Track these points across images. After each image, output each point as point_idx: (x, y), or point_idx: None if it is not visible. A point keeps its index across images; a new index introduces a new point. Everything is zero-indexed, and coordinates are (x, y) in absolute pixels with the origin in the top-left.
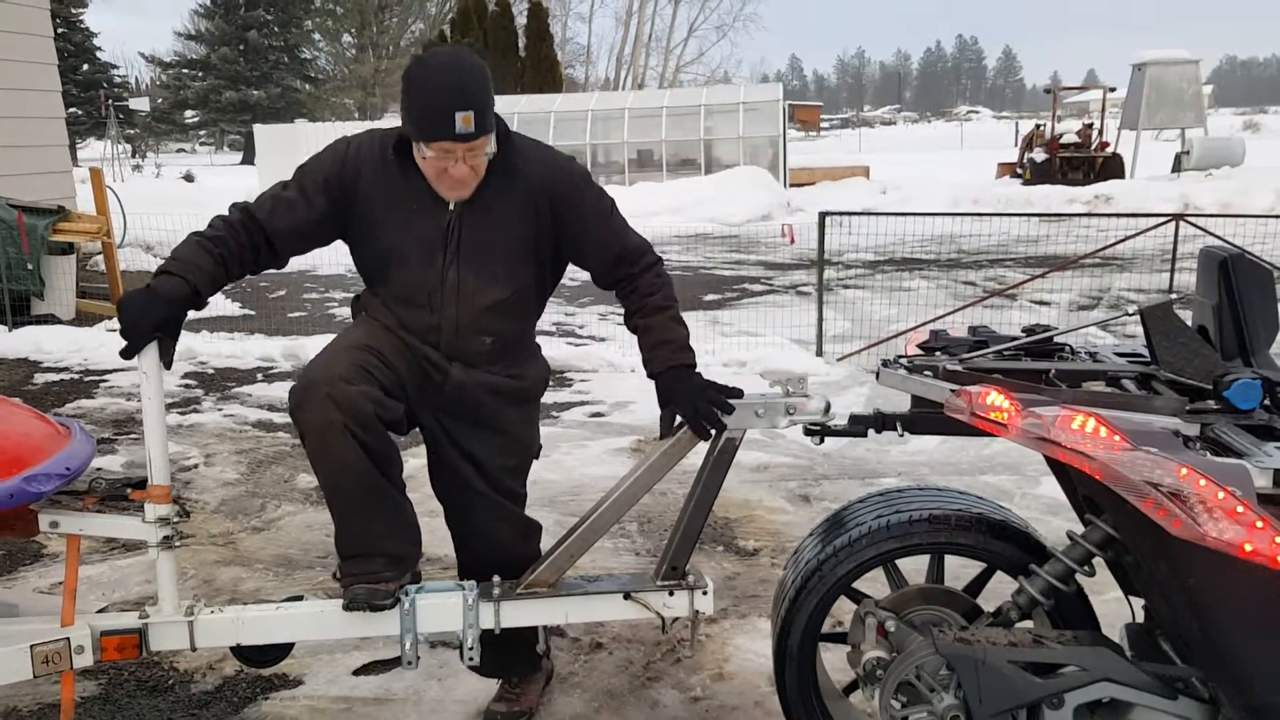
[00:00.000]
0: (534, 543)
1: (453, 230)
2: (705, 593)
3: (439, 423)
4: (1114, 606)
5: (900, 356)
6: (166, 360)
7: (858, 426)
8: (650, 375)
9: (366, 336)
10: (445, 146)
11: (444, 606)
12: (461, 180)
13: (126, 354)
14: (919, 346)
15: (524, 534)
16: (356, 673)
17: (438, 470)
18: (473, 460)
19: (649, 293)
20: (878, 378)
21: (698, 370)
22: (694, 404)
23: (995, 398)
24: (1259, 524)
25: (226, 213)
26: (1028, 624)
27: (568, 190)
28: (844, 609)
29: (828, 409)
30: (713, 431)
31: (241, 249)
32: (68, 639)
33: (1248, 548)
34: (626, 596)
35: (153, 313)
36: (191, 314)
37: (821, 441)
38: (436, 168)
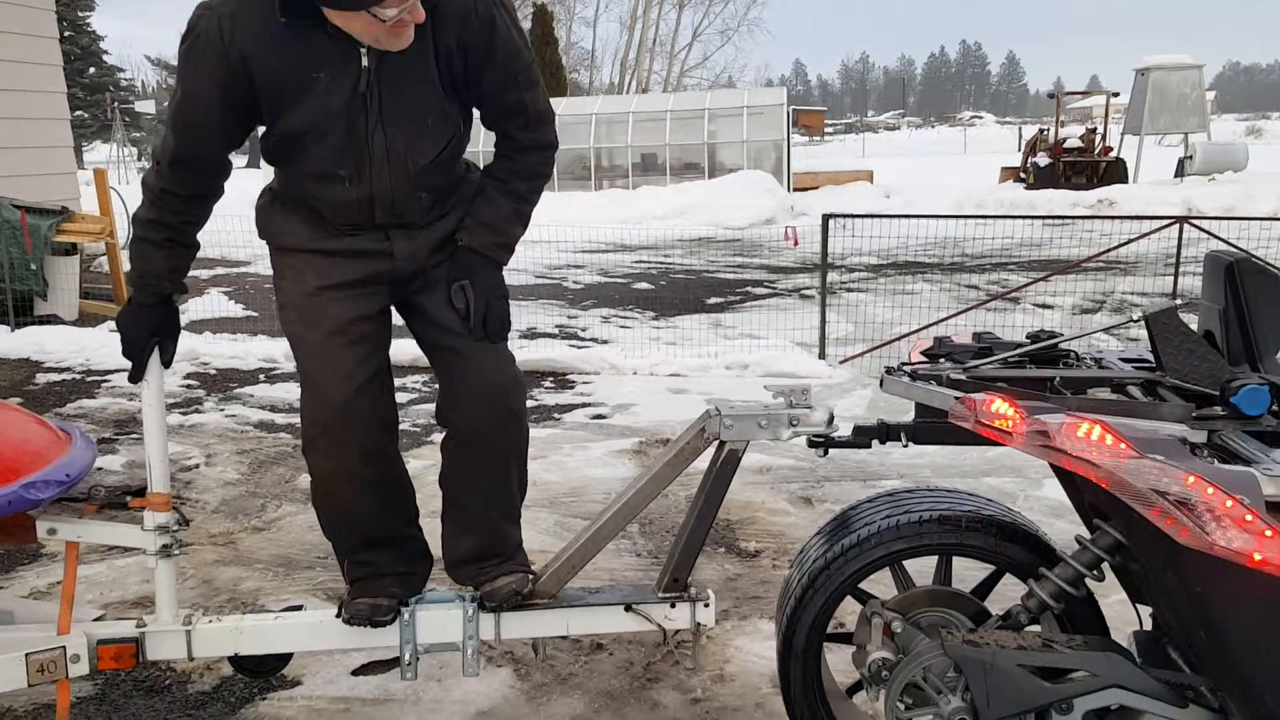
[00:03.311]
0: (514, 367)
1: (372, 91)
2: (707, 605)
3: (404, 302)
4: (1117, 609)
5: (904, 364)
6: (166, 360)
7: (862, 438)
8: (460, 240)
9: (320, 315)
10: (394, 1)
11: (444, 618)
12: (412, 22)
13: (135, 377)
14: (923, 354)
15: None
16: (355, 673)
17: (419, 336)
18: (445, 323)
19: (520, 175)
20: (881, 385)
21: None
22: (488, 297)
23: (1000, 406)
24: (1268, 532)
25: (150, 187)
26: (1036, 628)
27: (478, 21)
28: (847, 610)
29: (831, 420)
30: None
31: (187, 214)
32: (64, 648)
33: (1256, 556)
34: (628, 608)
35: (142, 324)
36: (195, 315)
37: (826, 453)
38: (388, 26)
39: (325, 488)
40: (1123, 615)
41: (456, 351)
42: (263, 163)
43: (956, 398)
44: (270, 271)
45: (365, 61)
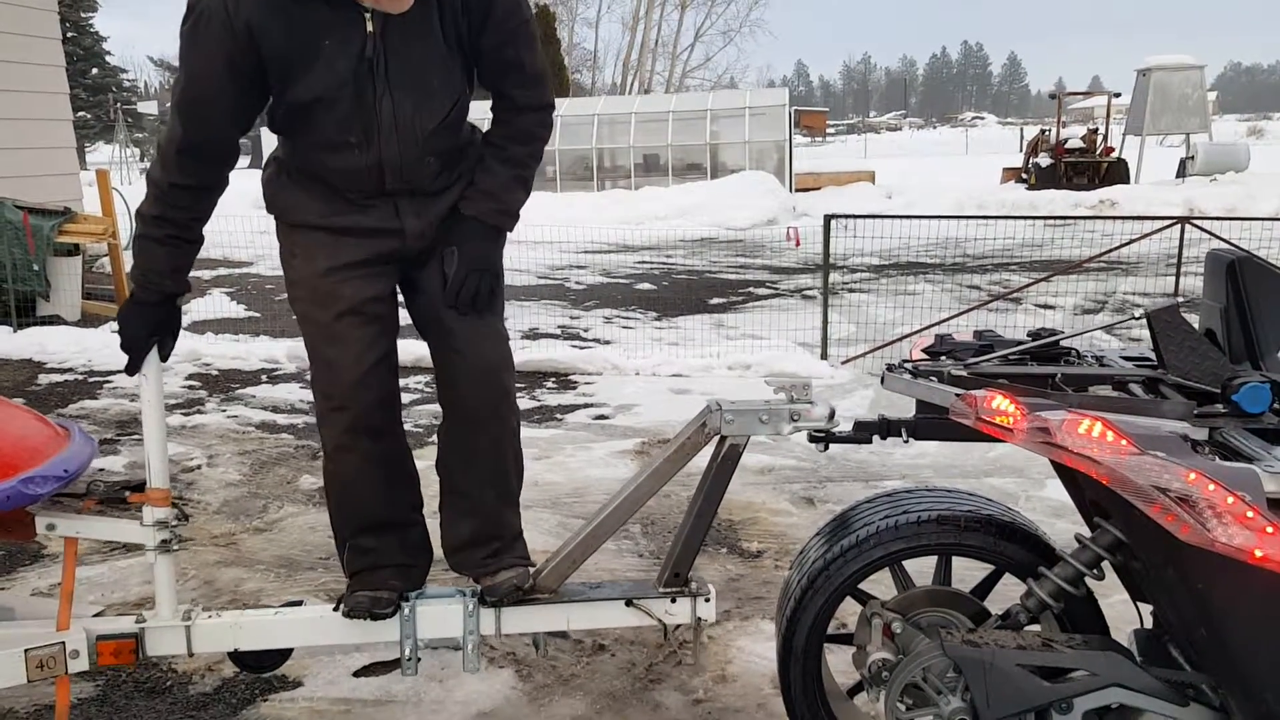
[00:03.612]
0: (507, 349)
1: (378, 55)
2: (708, 600)
3: (406, 279)
4: (1120, 609)
5: (905, 361)
6: (164, 356)
7: (862, 433)
8: (461, 209)
9: (331, 297)
10: None
11: (444, 613)
12: None
13: (131, 370)
14: (924, 351)
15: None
16: (356, 674)
17: (416, 313)
18: (438, 293)
19: (517, 139)
20: (882, 382)
21: (504, 238)
22: (474, 267)
23: (1000, 402)
24: (1269, 529)
25: (155, 181)
26: (1036, 627)
27: None
28: (848, 610)
29: (832, 415)
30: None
31: (193, 209)
32: (63, 644)
33: (1258, 553)
34: (628, 603)
35: (143, 322)
36: (197, 316)
37: (826, 448)
38: None
39: (334, 463)
40: (1125, 615)
41: (449, 330)
42: (264, 131)
43: (957, 394)
44: (271, 270)
45: (370, 26)
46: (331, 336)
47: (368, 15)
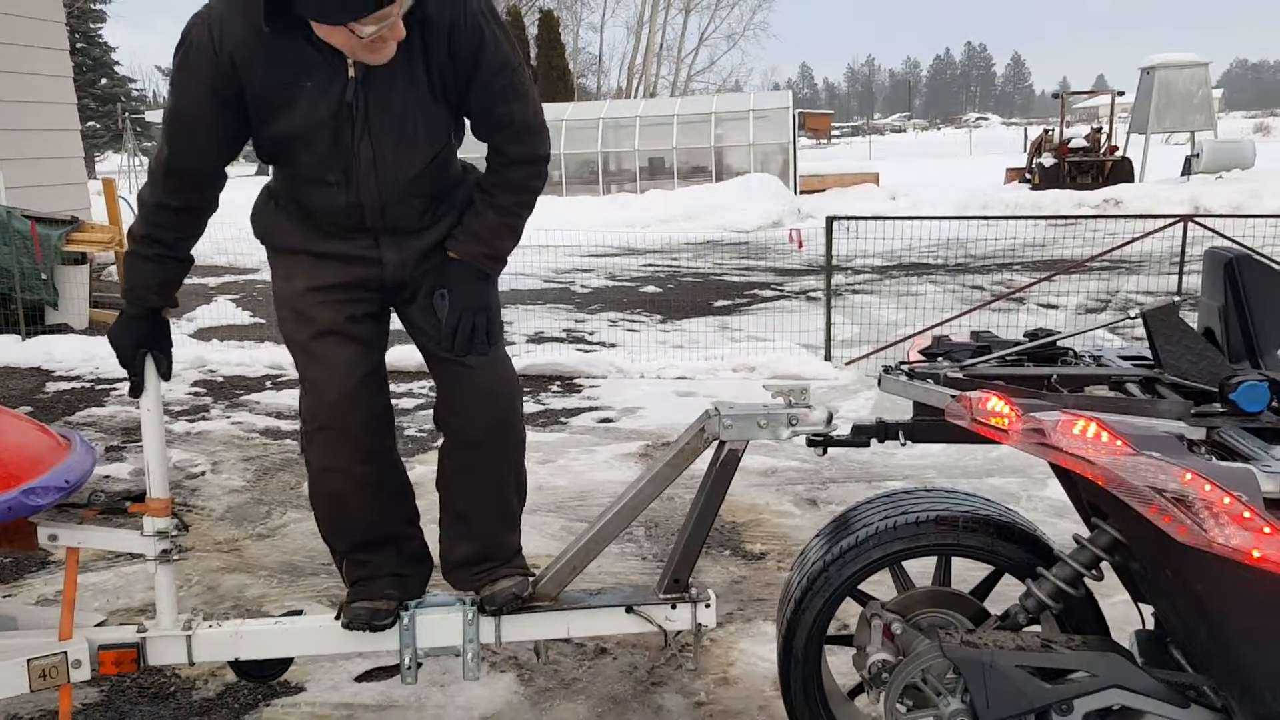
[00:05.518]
0: (512, 375)
1: (358, 100)
2: (708, 605)
3: (399, 310)
4: (1122, 610)
5: (902, 363)
6: (164, 373)
7: (860, 436)
8: (448, 250)
9: (310, 316)
10: (372, 19)
11: (443, 622)
12: (393, 39)
13: (134, 391)
14: (921, 353)
15: (504, 375)
16: (358, 679)
17: (417, 344)
18: (432, 331)
19: (508, 189)
20: (879, 384)
21: (495, 286)
22: (466, 307)
23: (995, 403)
24: (1266, 529)
25: (144, 201)
26: (1036, 628)
27: (465, 32)
28: (849, 612)
29: (830, 419)
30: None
31: (180, 228)
32: (65, 653)
33: (1255, 554)
34: (629, 610)
35: (129, 334)
36: (202, 322)
37: (824, 452)
38: (365, 42)
39: (322, 484)
40: (1128, 615)
41: (451, 359)
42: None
43: (953, 396)
44: None
45: (352, 72)
46: (312, 356)
47: (350, 60)
